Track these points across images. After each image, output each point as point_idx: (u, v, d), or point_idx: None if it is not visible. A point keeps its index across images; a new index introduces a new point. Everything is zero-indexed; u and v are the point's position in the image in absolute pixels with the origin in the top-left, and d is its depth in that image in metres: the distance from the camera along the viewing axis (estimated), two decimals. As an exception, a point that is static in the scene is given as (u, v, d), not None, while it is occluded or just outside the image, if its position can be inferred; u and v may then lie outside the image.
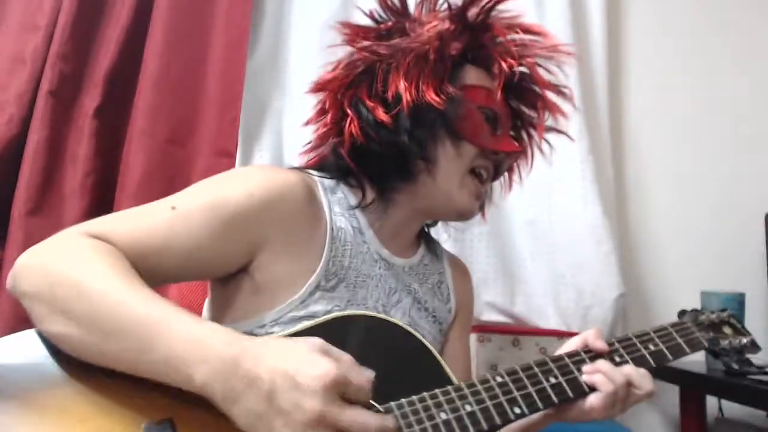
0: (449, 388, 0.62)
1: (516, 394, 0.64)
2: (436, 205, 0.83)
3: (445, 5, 0.84)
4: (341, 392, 0.49)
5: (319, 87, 0.83)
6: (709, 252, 1.63)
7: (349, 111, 0.78)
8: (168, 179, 1.39)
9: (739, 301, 1.29)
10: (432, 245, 0.94)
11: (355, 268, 0.77)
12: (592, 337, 0.73)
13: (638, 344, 0.76)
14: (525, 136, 0.91)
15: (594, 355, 0.72)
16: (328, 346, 0.53)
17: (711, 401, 1.43)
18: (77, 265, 0.57)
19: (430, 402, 0.59)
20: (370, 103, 0.77)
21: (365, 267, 0.78)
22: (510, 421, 0.62)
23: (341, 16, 1.52)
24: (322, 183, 0.80)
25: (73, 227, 0.63)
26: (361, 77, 0.79)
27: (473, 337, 1.35)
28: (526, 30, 0.85)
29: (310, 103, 0.87)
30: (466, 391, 0.62)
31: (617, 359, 0.73)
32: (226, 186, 0.71)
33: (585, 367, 0.70)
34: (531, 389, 0.65)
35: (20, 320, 1.16)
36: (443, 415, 0.59)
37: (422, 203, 0.82)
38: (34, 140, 1.33)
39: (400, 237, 0.85)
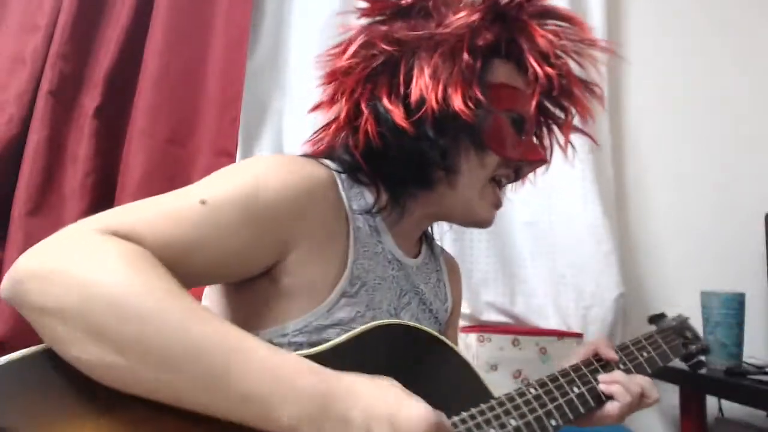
0: (493, 403, 0.64)
1: (550, 406, 0.67)
2: (453, 213, 0.79)
3: None
4: None
5: (332, 77, 0.75)
6: (709, 252, 1.63)
7: (365, 110, 0.70)
8: (168, 179, 1.39)
9: (739, 301, 1.29)
10: (431, 242, 0.92)
11: (373, 270, 0.72)
12: (603, 346, 0.77)
13: (635, 352, 0.80)
14: (546, 134, 0.86)
15: (604, 363, 0.76)
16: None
17: (711, 401, 1.42)
18: (112, 274, 0.47)
19: (480, 419, 0.62)
20: (389, 105, 0.69)
21: (380, 269, 0.73)
22: None
23: (341, 16, 1.52)
24: (339, 176, 0.72)
25: (84, 221, 0.53)
26: (380, 69, 0.71)
27: (473, 337, 1.35)
28: (561, 18, 0.77)
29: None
30: (509, 405, 0.65)
31: (622, 367, 0.77)
32: (256, 177, 0.62)
33: (601, 377, 0.74)
34: (561, 401, 0.68)
35: (20, 321, 1.12)
36: None
37: (439, 210, 0.78)
38: (34, 140, 1.33)
39: (411, 237, 0.82)
